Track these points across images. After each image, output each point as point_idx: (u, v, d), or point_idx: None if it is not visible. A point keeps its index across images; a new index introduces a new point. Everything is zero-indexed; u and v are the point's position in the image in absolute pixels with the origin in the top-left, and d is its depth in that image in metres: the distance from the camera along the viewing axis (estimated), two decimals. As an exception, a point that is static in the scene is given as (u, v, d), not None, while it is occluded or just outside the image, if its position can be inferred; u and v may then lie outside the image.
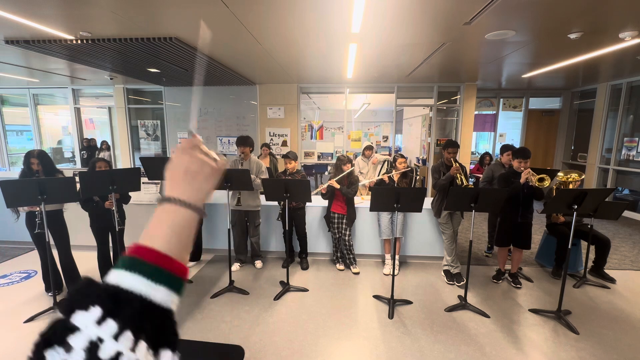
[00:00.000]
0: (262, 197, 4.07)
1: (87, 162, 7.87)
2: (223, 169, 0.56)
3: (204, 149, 0.55)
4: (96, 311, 0.36)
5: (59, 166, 5.17)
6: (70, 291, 0.40)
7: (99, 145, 8.53)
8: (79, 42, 4.01)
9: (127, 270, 0.41)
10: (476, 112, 7.47)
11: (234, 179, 3.32)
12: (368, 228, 4.19)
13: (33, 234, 3.15)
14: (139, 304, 0.39)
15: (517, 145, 6.33)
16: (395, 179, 3.80)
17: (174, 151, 0.54)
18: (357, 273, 3.88)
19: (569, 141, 8.30)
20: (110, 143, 8.59)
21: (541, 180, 3.15)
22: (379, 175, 4.17)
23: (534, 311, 3.09)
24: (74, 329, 0.35)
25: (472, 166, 6.93)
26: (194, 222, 0.49)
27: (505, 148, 4.16)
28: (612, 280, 3.70)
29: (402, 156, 3.87)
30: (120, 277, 0.40)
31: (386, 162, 4.92)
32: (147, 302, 0.40)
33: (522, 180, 3.22)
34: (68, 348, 0.34)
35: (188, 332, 2.72)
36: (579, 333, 2.76)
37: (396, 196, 2.95)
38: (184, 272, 0.45)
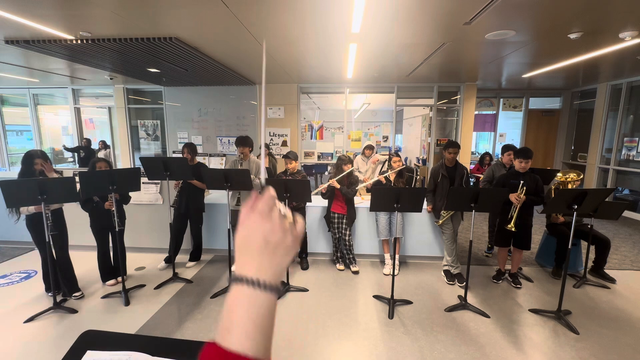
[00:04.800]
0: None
1: (85, 162, 7.85)
2: (302, 236, 0.46)
3: (281, 207, 0.45)
4: None
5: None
6: None
7: (95, 146, 8.51)
8: (79, 42, 4.02)
9: None
10: (476, 112, 7.47)
11: (233, 179, 3.32)
12: (368, 228, 4.19)
13: (35, 235, 3.12)
14: None
15: (517, 145, 6.33)
16: (392, 178, 3.81)
17: (244, 211, 0.44)
18: (357, 272, 3.88)
19: (569, 141, 8.30)
20: (110, 143, 8.59)
21: (510, 220, 3.32)
22: (377, 176, 4.17)
23: (534, 311, 3.09)
24: None
25: (472, 166, 6.94)
26: (275, 307, 0.41)
27: (506, 148, 4.17)
28: (612, 280, 3.70)
29: (398, 155, 3.89)
30: None
31: (385, 162, 4.92)
32: None
33: (512, 199, 3.30)
34: None
35: (188, 332, 2.73)
36: (579, 333, 2.76)
37: (396, 196, 2.95)
38: None
